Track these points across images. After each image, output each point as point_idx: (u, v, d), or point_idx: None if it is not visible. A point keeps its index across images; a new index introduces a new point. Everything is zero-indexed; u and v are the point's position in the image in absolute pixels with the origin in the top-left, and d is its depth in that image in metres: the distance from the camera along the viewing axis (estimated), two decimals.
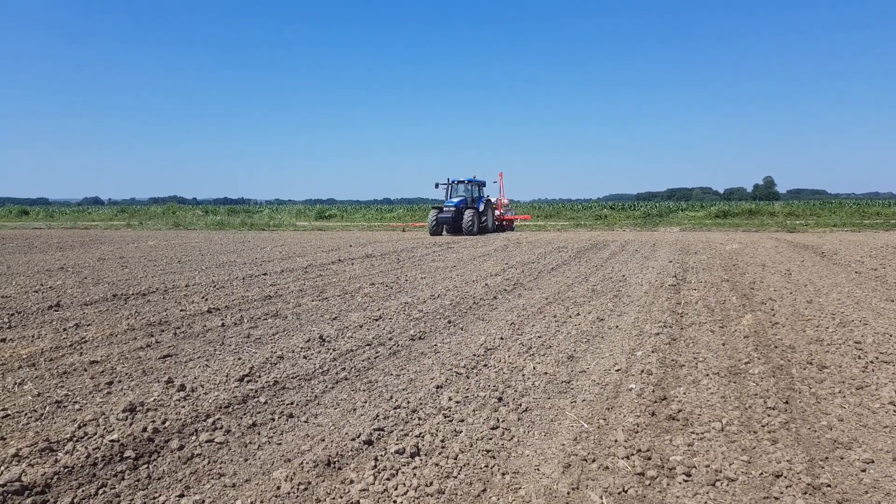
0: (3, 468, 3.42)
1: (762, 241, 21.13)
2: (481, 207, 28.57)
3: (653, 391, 4.81)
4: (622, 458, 3.65)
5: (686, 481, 3.40)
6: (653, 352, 5.95)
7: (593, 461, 3.65)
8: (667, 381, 5.08)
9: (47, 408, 4.42)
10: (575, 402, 4.68)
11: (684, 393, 4.80)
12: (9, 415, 4.27)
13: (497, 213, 30.63)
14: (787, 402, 4.53)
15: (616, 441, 3.91)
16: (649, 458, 3.66)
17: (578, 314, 7.92)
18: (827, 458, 3.66)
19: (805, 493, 3.24)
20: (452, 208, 27.34)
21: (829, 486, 3.32)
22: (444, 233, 28.08)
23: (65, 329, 6.98)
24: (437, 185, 29.59)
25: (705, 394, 4.78)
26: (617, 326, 7.20)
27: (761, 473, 3.46)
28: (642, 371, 5.34)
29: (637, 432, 4.05)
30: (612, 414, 4.40)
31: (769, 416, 4.27)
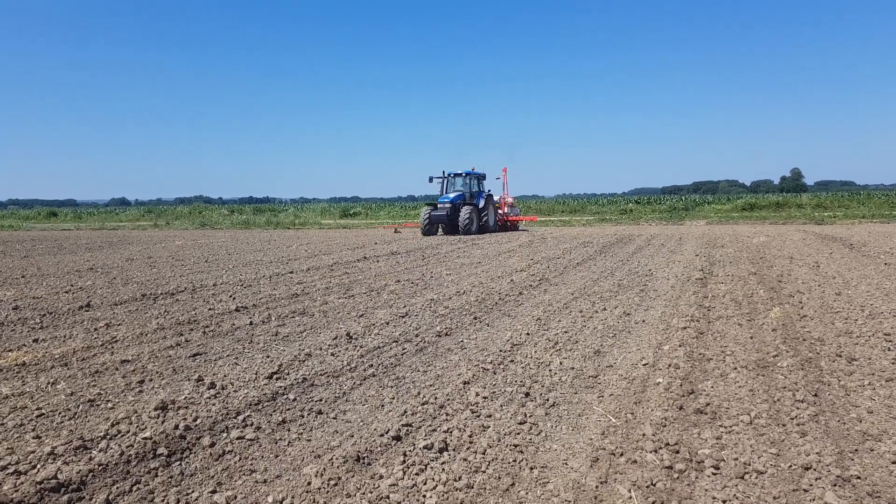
0: (39, 466, 3.51)
1: (790, 233, 20.77)
2: (481, 203, 25.58)
3: (680, 385, 4.77)
4: (650, 452, 3.63)
5: (715, 474, 3.37)
6: (680, 346, 5.90)
7: (621, 455, 3.64)
8: (694, 375, 5.04)
9: (80, 407, 4.52)
10: (602, 396, 4.66)
11: (712, 386, 4.75)
12: (43, 414, 4.37)
13: (500, 212, 27.84)
14: (816, 395, 4.46)
15: (644, 435, 3.88)
16: (677, 452, 3.63)
17: (605, 309, 7.87)
18: (857, 450, 3.60)
19: (835, 485, 3.20)
20: (448, 204, 24.56)
21: (858, 478, 3.27)
22: (440, 233, 25.34)
23: (96, 329, 7.12)
24: (430, 179, 26.28)
25: (733, 387, 4.73)
26: (643, 321, 7.14)
27: (790, 466, 3.41)
28: (669, 365, 5.29)
29: (665, 426, 4.02)
30: (639, 408, 4.37)
31: (798, 408, 4.21)
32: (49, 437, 3.98)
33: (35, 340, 6.62)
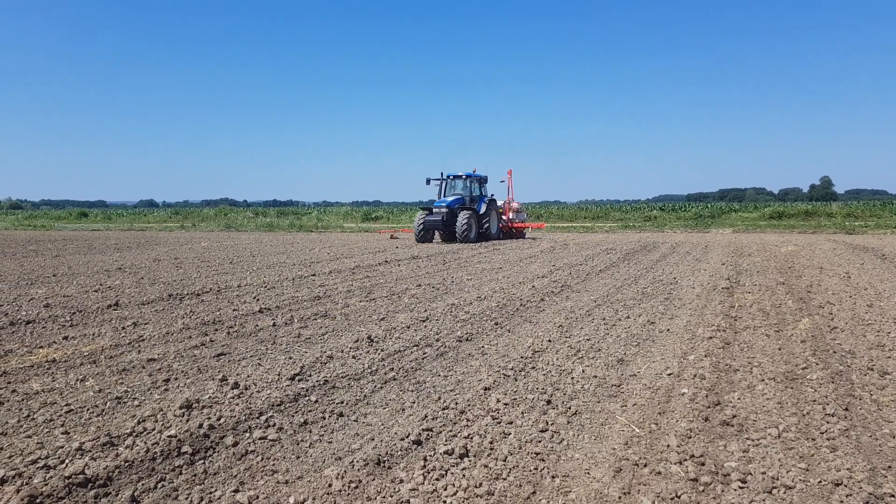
0: (67, 461, 3.57)
1: (819, 243, 20.40)
2: (482, 209, 23.41)
3: (706, 396, 4.69)
4: (675, 464, 3.58)
5: (741, 488, 3.31)
6: (706, 356, 5.82)
7: (645, 466, 3.59)
8: (721, 386, 4.96)
9: (108, 403, 4.59)
10: (625, 405, 4.61)
11: (739, 398, 4.67)
12: (72, 410, 4.45)
13: (504, 217, 25.85)
14: (846, 409, 4.36)
15: (668, 446, 3.83)
16: (703, 464, 3.57)
17: (628, 317, 7.80)
18: (890, 466, 3.51)
19: (866, 502, 3.11)
20: (444, 209, 22.57)
21: (892, 496, 3.18)
22: (437, 240, 23.56)
23: (123, 328, 7.24)
24: (428, 182, 24.07)
25: (761, 399, 4.64)
26: (668, 330, 7.06)
27: (820, 482, 3.34)
28: (695, 375, 5.22)
29: (690, 437, 3.96)
30: (664, 418, 4.31)
31: (828, 422, 4.12)
32: (77, 432, 4.04)
33: (65, 338, 6.74)
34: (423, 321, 7.57)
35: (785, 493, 3.24)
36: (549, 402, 4.64)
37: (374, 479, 3.44)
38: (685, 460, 3.62)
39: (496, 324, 7.44)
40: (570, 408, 4.53)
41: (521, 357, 5.86)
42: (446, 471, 3.53)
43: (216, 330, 7.15)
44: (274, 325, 7.39)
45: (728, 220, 38.56)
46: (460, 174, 24.08)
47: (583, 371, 5.43)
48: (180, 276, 12.49)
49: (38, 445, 3.81)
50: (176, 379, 5.25)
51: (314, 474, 3.54)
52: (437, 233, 23.09)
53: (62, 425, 4.17)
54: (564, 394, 4.84)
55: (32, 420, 4.26)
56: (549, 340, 6.55)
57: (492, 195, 24.80)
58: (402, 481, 3.42)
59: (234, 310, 8.38)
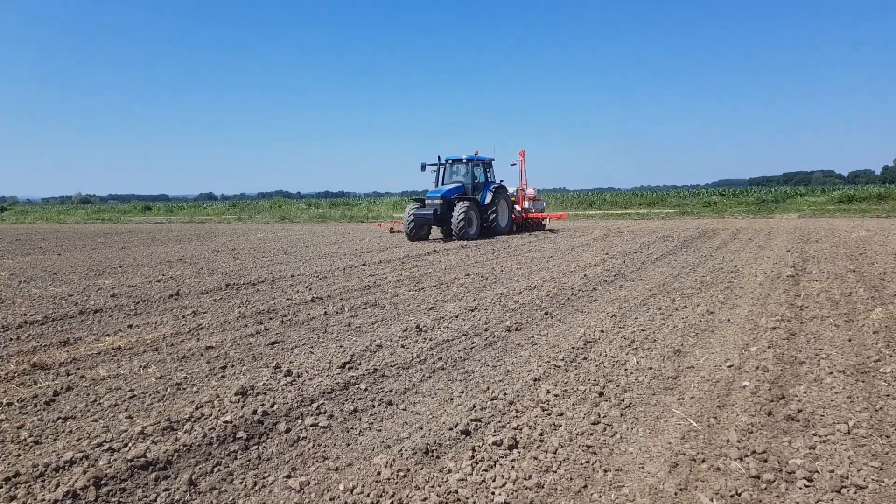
0: (130, 444, 3.70)
1: (894, 227, 19.32)
2: (488, 198, 19.77)
3: (769, 389, 4.49)
4: (735, 460, 3.44)
5: (807, 486, 3.14)
6: (769, 347, 5.57)
7: (703, 461, 3.46)
8: (785, 379, 4.74)
9: (168, 389, 4.74)
10: (682, 398, 4.46)
11: (805, 392, 4.45)
12: (135, 395, 4.61)
13: (517, 208, 22.06)
14: None
15: (728, 441, 3.68)
16: (765, 461, 3.41)
17: (686, 306, 7.56)
18: None
19: None
20: (438, 200, 18.88)
21: None
22: (433, 236, 20.16)
23: (183, 316, 7.47)
24: (423, 167, 20.66)
25: (829, 393, 4.41)
26: (728, 320, 6.81)
27: (895, 482, 3.14)
28: (757, 368, 5.00)
29: (751, 432, 3.79)
30: (723, 412, 4.15)
31: None
32: (140, 417, 4.19)
33: (129, 326, 7.01)
34: (472, 310, 7.53)
35: (855, 493, 3.07)
36: (601, 393, 4.53)
37: (422, 469, 3.43)
38: (746, 456, 3.47)
39: (546, 313, 7.33)
40: (623, 400, 4.41)
41: (573, 348, 5.75)
42: (495, 462, 3.49)
43: (270, 318, 7.30)
44: (325, 314, 7.49)
45: (793, 204, 36.94)
46: (461, 158, 20.38)
47: (637, 362, 5.29)
48: (237, 266, 12.82)
49: (103, 429, 3.96)
50: (232, 366, 5.38)
51: (363, 462, 3.56)
52: (427, 227, 19.45)
53: (126, 410, 4.33)
54: (618, 385, 4.72)
55: (99, 405, 4.44)
56: (602, 331, 6.40)
57: (500, 181, 21.20)
58: (450, 471, 3.40)
59: (287, 299, 8.54)
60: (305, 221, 38.13)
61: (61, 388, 4.78)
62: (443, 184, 20.35)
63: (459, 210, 18.42)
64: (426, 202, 19.25)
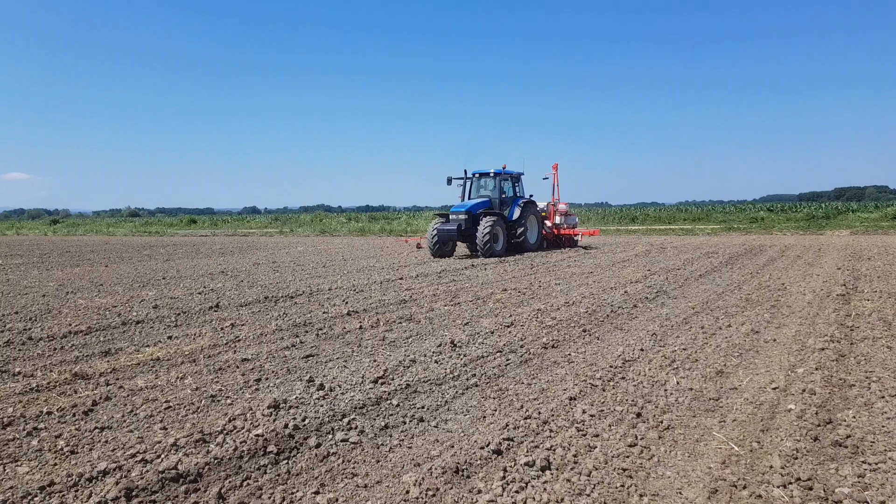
0: (163, 456, 3.73)
1: None
2: (516, 213, 19.07)
3: (816, 413, 4.28)
4: (778, 487, 3.27)
5: None
6: (816, 369, 5.33)
7: (744, 488, 3.30)
8: (833, 403, 4.51)
9: (203, 401, 4.79)
10: (724, 421, 4.28)
11: (854, 416, 4.23)
12: (171, 406, 4.66)
13: (547, 223, 21.23)
14: None
15: (771, 467, 3.51)
16: (810, 489, 3.24)
17: (730, 325, 7.31)
18: None
19: None
20: (462, 215, 18.26)
21: None
22: (457, 252, 19.28)
23: (222, 328, 7.57)
24: (449, 181, 19.76)
25: (880, 418, 4.18)
26: (774, 340, 6.55)
27: None
28: (804, 390, 4.78)
29: (796, 458, 3.61)
30: (766, 436, 3.97)
31: None
32: (174, 428, 4.23)
33: (169, 337, 7.13)
34: (508, 326, 7.43)
35: None
36: (638, 414, 4.39)
37: (451, 488, 3.36)
38: (790, 483, 3.30)
39: (584, 330, 7.18)
40: (661, 422, 4.26)
41: (610, 366, 5.61)
42: (526, 483, 3.40)
43: (306, 332, 7.34)
44: (360, 327, 7.50)
45: (845, 220, 35.68)
46: (489, 171, 19.69)
47: (677, 383, 5.12)
48: (276, 279, 12.99)
49: (138, 440, 4.02)
50: (266, 379, 5.40)
51: (392, 479, 3.51)
52: (452, 243, 18.63)
53: (161, 421, 4.38)
54: (656, 406, 4.57)
55: (135, 415, 4.51)
56: (642, 349, 6.24)
57: (529, 196, 20.47)
58: (480, 492, 3.32)
59: (323, 312, 8.58)
60: (345, 235, 38.54)
61: (100, 398, 4.88)
62: (469, 198, 19.77)
63: (485, 225, 17.64)
64: (450, 217, 18.60)
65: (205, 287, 11.63)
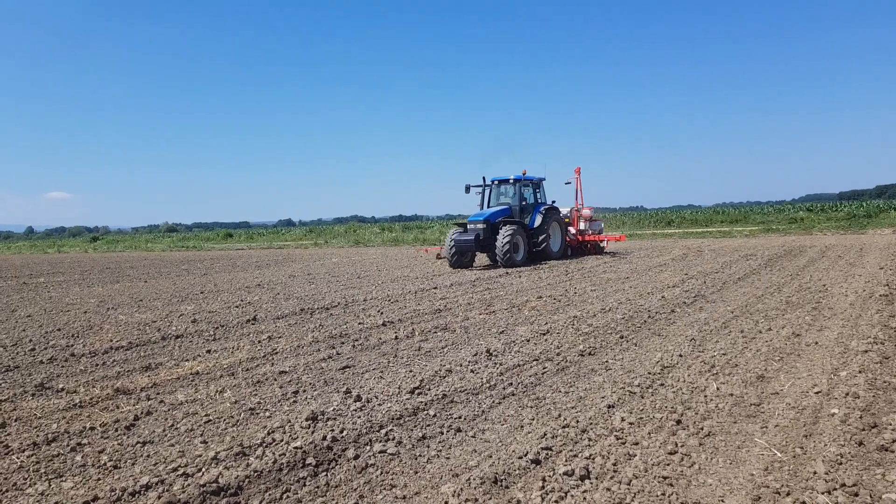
0: (204, 469, 3.79)
1: None
2: (537, 221, 18.44)
3: (860, 417, 4.16)
4: (822, 493, 3.18)
5: None
6: (860, 372, 5.18)
7: (787, 494, 3.22)
8: (878, 407, 4.38)
9: (242, 415, 4.86)
10: (766, 427, 4.19)
11: None
12: (210, 420, 4.75)
13: (571, 230, 20.44)
14: None
15: (815, 473, 3.42)
16: (856, 495, 3.15)
17: (770, 329, 7.15)
18: None
19: None
20: (481, 224, 17.55)
21: None
22: (476, 262, 18.71)
23: (259, 341, 7.69)
24: (467, 189, 19.40)
25: None
26: (816, 343, 6.39)
27: None
28: (847, 394, 4.65)
29: (840, 464, 3.51)
30: (810, 442, 3.87)
31: None
32: (214, 442, 4.30)
33: (208, 351, 7.27)
34: (544, 334, 7.39)
35: None
36: (678, 421, 4.32)
37: (490, 499, 3.36)
38: (835, 489, 3.21)
39: (621, 337, 7.10)
40: (702, 428, 4.19)
41: (649, 373, 5.53)
42: (566, 493, 3.37)
43: (342, 343, 7.41)
44: (396, 338, 7.54)
45: (887, 219, 34.59)
46: (508, 178, 19.07)
47: (717, 388, 5.02)
48: (312, 291, 13.15)
49: (179, 454, 4.09)
50: (304, 391, 5.46)
51: (431, 490, 3.51)
52: (471, 254, 18.03)
53: (201, 435, 4.46)
54: (696, 413, 4.49)
55: (176, 429, 4.59)
56: (680, 355, 6.14)
57: (551, 202, 19.83)
58: (519, 502, 3.31)
59: (359, 323, 8.66)
60: (379, 245, 38.84)
61: (141, 413, 4.98)
62: (488, 206, 19.14)
63: (504, 234, 16.93)
64: (468, 227, 17.84)
65: (242, 300, 11.83)
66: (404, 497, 3.46)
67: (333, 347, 7.17)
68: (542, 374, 5.71)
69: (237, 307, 10.89)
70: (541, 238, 18.23)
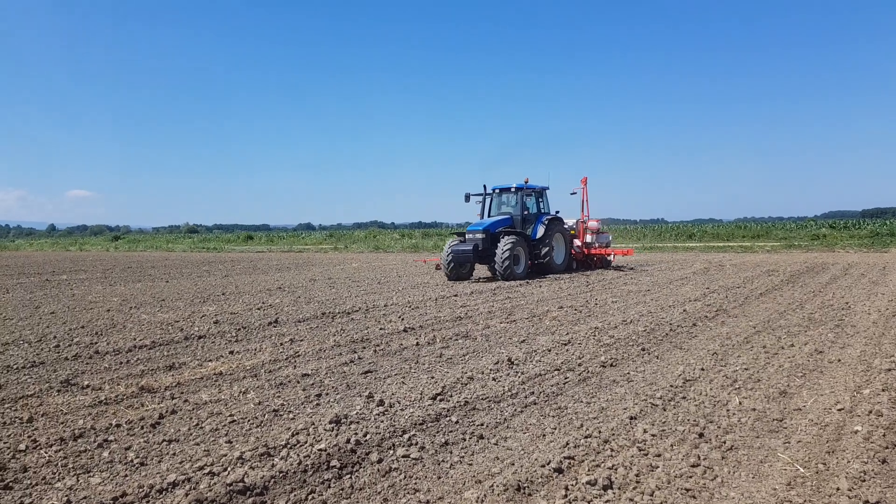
0: (229, 468, 3.85)
1: None
2: (540, 231, 17.65)
3: (883, 435, 4.14)
4: None
5: None
6: (883, 390, 5.14)
7: None
8: None
9: (266, 416, 4.93)
10: (788, 442, 4.18)
11: None
12: (235, 420, 4.82)
13: (577, 242, 19.67)
14: None
15: (838, 489, 3.41)
16: None
17: (792, 345, 7.10)
18: None
19: None
20: (479, 234, 16.70)
21: None
22: (475, 274, 17.64)
23: (281, 344, 7.79)
24: (467, 198, 18.48)
25: None
26: (839, 360, 6.33)
27: None
28: (870, 412, 4.62)
29: (864, 481, 3.50)
30: (833, 458, 3.85)
31: None
32: (239, 442, 4.37)
33: (231, 352, 7.37)
34: (565, 344, 7.40)
35: None
36: (701, 434, 4.32)
37: None
38: None
39: (643, 349, 7.09)
40: (724, 442, 4.18)
41: (671, 386, 5.53)
42: (589, 502, 3.40)
43: (364, 348, 7.47)
44: (417, 344, 7.59)
45: None
46: (510, 186, 18.22)
47: (740, 403, 5.01)
48: (333, 295, 13.26)
49: (204, 453, 4.16)
50: (327, 394, 5.53)
51: (454, 496, 3.55)
52: (469, 265, 17.07)
53: (226, 434, 4.53)
54: (719, 427, 4.48)
55: (201, 429, 4.67)
56: (702, 369, 6.12)
57: (555, 212, 19.05)
58: None
59: (380, 328, 8.72)
60: (399, 251, 38.96)
61: (166, 412, 5.06)
62: (489, 216, 18.34)
63: (504, 245, 16.11)
64: (466, 236, 17.01)
65: (263, 303, 11.97)
66: (428, 501, 3.50)
67: (355, 352, 7.24)
68: (564, 383, 5.72)
69: (259, 309, 11.02)
70: (543, 250, 17.52)
